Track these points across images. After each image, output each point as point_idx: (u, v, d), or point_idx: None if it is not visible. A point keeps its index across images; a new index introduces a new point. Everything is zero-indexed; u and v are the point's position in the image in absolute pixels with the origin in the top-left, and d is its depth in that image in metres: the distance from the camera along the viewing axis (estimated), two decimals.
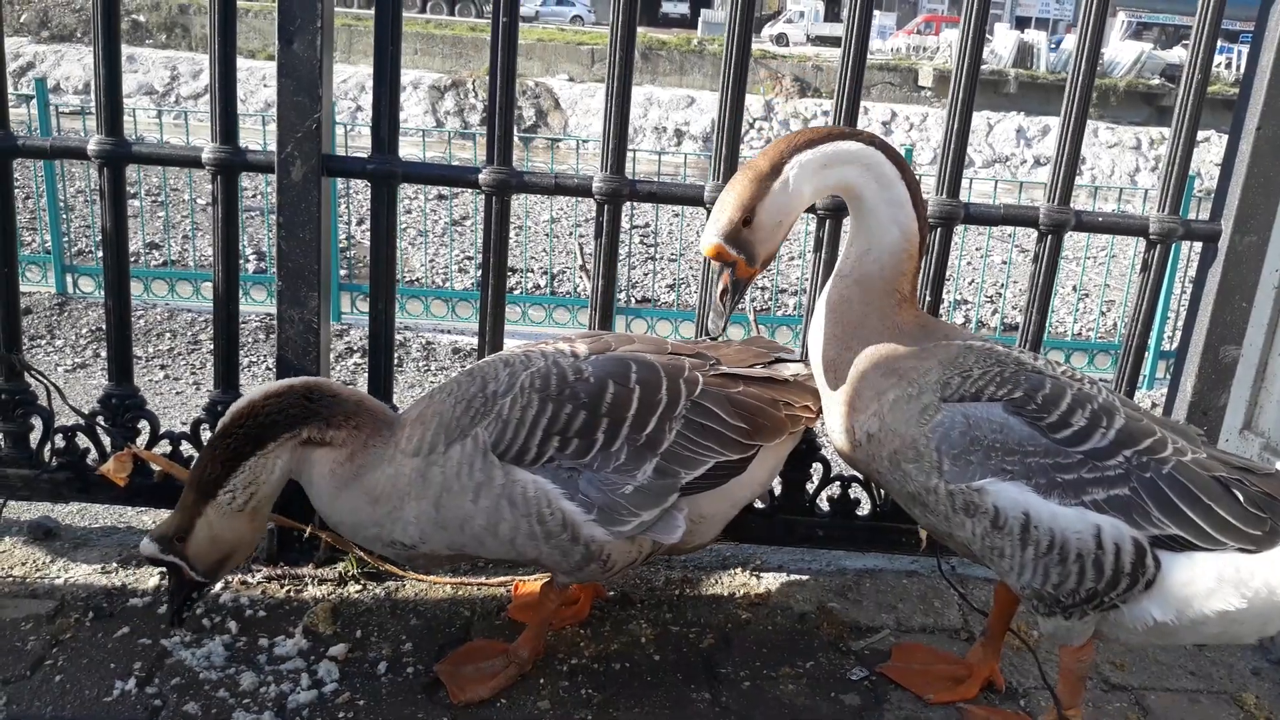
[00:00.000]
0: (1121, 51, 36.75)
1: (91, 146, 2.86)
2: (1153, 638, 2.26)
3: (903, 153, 2.47)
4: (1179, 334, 3.19)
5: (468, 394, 2.42)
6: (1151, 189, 3.20)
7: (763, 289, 12.26)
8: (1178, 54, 33.98)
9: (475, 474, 2.33)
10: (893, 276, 2.35)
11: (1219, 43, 2.93)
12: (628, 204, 3.03)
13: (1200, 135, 3.01)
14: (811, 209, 2.99)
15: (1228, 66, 33.00)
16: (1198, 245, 3.16)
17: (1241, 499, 2.14)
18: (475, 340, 2.79)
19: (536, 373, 2.40)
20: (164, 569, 2.47)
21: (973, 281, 12.92)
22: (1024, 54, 36.00)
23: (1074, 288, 12.20)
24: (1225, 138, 3.11)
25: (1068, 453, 2.17)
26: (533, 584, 2.96)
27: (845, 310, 2.38)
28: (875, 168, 2.31)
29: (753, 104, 30.78)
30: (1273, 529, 2.13)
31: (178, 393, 7.00)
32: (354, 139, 11.30)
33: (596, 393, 2.37)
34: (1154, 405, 8.32)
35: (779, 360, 2.69)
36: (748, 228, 2.25)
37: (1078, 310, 11.86)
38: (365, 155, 2.93)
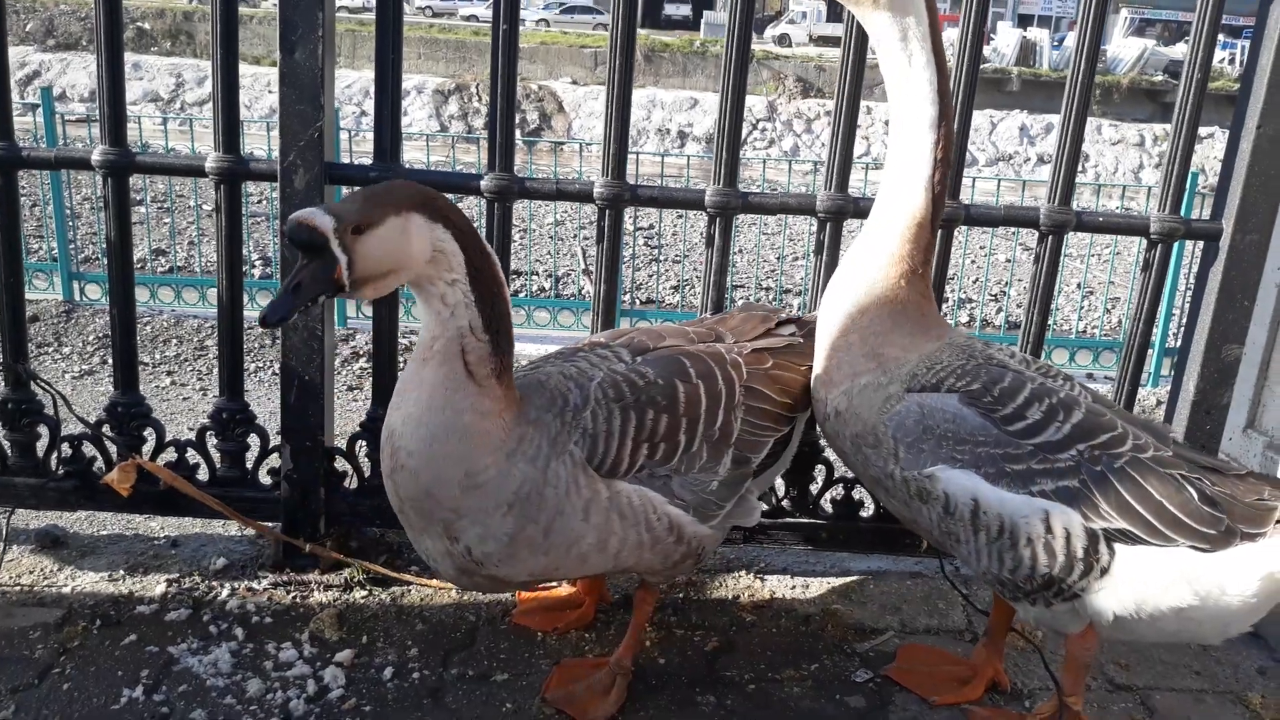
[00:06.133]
0: (1124, 48, 36.67)
1: (95, 157, 2.88)
2: (1119, 633, 2.28)
3: None
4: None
5: (553, 407, 2.28)
6: (1155, 186, 3.21)
7: (766, 290, 12.27)
8: (1180, 50, 33.83)
9: (583, 491, 2.24)
10: (900, 243, 2.36)
11: (1223, 38, 2.94)
12: (630, 207, 3.04)
13: (1204, 131, 3.04)
14: (814, 212, 3.00)
15: (1231, 62, 32.89)
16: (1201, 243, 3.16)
17: (1196, 497, 2.14)
18: None
19: (604, 382, 2.32)
20: (307, 260, 1.95)
21: (977, 280, 12.89)
22: (1027, 52, 35.94)
23: (1078, 285, 12.17)
24: (1229, 134, 3.11)
25: (1019, 444, 2.21)
26: (535, 591, 2.96)
27: (856, 267, 2.41)
28: (917, 115, 2.31)
29: (756, 105, 30.74)
30: (1228, 529, 2.13)
31: (185, 399, 6.99)
32: (359, 144, 11.34)
33: (670, 394, 2.35)
34: (1159, 403, 8.31)
35: (781, 323, 2.73)
36: None
37: (1082, 308, 11.83)
38: (369, 163, 2.94)
